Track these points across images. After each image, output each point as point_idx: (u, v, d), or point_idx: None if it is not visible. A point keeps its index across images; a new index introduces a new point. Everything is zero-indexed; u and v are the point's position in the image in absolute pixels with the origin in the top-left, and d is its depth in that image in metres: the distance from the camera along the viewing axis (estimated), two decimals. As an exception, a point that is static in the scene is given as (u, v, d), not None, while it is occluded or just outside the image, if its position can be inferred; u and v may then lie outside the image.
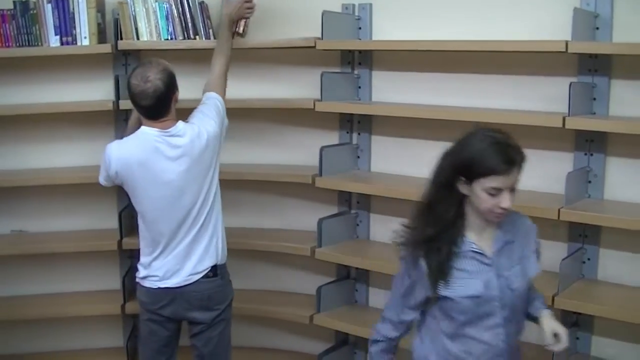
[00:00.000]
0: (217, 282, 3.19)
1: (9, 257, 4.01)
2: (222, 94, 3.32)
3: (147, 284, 3.18)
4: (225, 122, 3.26)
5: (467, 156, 2.26)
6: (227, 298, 3.25)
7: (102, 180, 3.20)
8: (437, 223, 2.31)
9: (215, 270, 3.17)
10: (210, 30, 3.71)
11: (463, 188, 2.28)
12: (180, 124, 3.08)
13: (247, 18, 3.57)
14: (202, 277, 3.15)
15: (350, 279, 3.92)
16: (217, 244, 3.18)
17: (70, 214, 4.13)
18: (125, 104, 3.71)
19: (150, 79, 2.97)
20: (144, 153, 3.04)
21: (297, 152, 3.98)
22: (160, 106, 3.02)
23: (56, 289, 4.13)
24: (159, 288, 3.15)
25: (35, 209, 4.12)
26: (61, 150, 4.06)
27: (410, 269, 2.38)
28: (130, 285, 3.87)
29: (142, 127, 3.07)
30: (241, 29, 3.58)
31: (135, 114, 3.26)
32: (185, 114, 3.20)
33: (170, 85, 3.03)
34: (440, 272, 2.30)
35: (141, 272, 3.21)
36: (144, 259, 3.20)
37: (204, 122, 3.13)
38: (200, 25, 3.71)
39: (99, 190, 3.98)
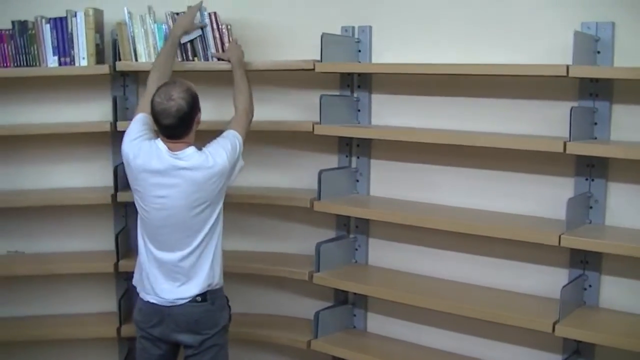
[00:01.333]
0: (206, 307, 3.15)
1: (4, 278, 3.98)
2: (243, 131, 3.28)
3: (141, 292, 3.20)
4: (240, 162, 3.21)
5: None
6: (218, 324, 3.19)
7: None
8: None
9: (204, 295, 3.14)
10: (209, 52, 3.69)
11: None
12: (190, 149, 3.05)
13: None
14: (190, 302, 3.12)
15: (349, 304, 3.88)
16: (209, 272, 3.14)
17: (66, 235, 4.10)
18: (123, 125, 3.70)
19: (173, 97, 2.96)
20: (149, 160, 3.04)
21: (296, 175, 3.96)
22: (182, 125, 3.01)
23: (52, 311, 4.10)
24: (148, 302, 3.15)
25: (32, 230, 4.09)
26: (58, 171, 4.05)
27: None
28: (126, 308, 3.84)
29: (159, 139, 3.08)
30: None
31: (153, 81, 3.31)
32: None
33: (193, 106, 3.03)
34: None
35: (135, 277, 3.24)
36: (138, 266, 3.23)
37: (216, 154, 3.08)
38: (198, 47, 3.69)
39: (95, 212, 3.99)
